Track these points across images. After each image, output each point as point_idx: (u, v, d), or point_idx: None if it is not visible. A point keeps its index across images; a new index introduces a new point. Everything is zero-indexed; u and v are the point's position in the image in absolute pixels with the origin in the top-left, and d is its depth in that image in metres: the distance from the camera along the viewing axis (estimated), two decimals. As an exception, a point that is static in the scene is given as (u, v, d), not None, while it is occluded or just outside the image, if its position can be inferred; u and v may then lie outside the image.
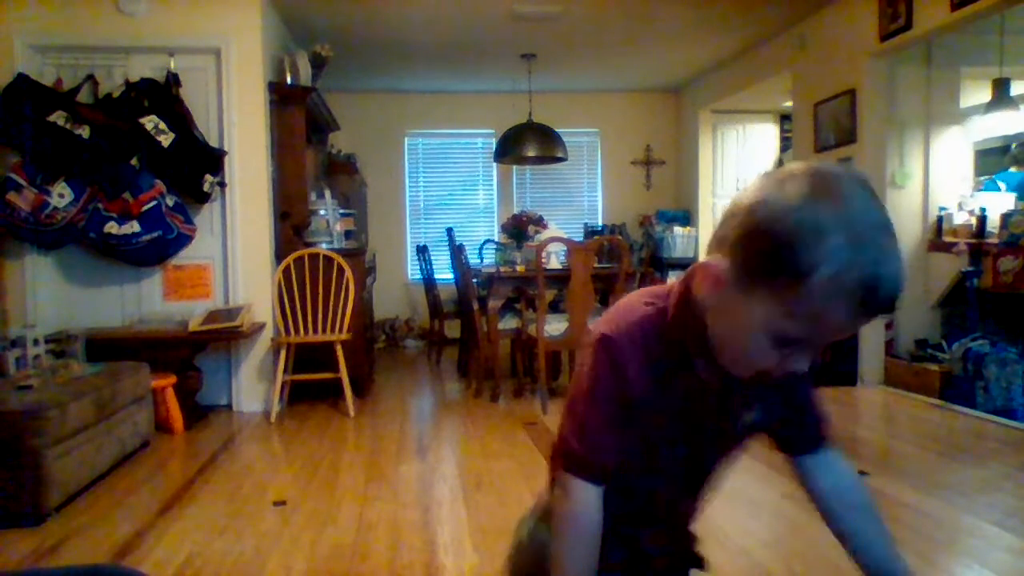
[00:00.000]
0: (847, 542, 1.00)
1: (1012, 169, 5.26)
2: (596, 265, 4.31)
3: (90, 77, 4.04)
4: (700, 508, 1.08)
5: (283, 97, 4.49)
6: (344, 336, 4.15)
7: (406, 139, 7.34)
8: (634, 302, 0.95)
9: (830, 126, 4.94)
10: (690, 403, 0.92)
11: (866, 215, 0.73)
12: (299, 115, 4.54)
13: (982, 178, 5.22)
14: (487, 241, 6.51)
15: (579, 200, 7.64)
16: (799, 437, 0.99)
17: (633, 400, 0.90)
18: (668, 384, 0.90)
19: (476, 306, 4.64)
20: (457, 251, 4.89)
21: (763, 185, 0.77)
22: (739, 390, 0.91)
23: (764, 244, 0.74)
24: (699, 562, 1.12)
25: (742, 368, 0.83)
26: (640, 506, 1.01)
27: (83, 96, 3.99)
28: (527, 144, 6.09)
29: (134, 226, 3.85)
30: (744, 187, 0.79)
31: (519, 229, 5.06)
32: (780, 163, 7.09)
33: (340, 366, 4.10)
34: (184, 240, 4.07)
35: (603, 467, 0.93)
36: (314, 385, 4.34)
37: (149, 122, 3.87)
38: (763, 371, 0.81)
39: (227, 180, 4.23)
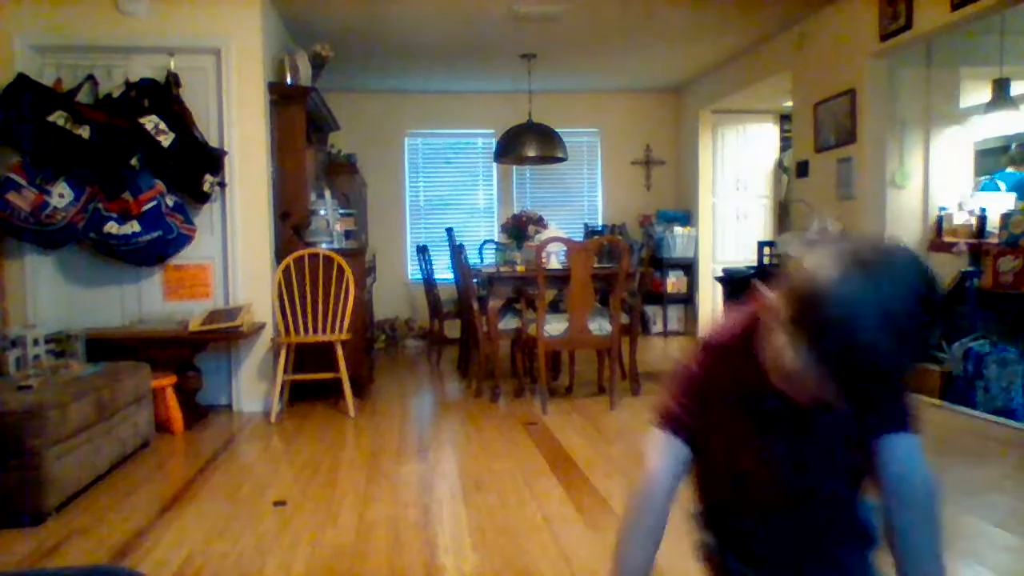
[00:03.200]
0: (891, 538, 1.00)
1: (1010, 169, 5.26)
2: (596, 265, 4.31)
3: (90, 77, 4.04)
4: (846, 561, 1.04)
5: (283, 97, 4.49)
6: (344, 336, 4.15)
7: (406, 139, 7.34)
8: (736, 317, 1.02)
9: (830, 126, 4.93)
10: (784, 422, 0.93)
11: (870, 308, 0.77)
12: (299, 115, 4.54)
13: (981, 178, 5.22)
14: (487, 241, 6.51)
15: (579, 200, 7.64)
16: (877, 418, 0.98)
17: (713, 399, 0.96)
18: (754, 396, 0.93)
19: (476, 306, 4.64)
20: (457, 251, 4.89)
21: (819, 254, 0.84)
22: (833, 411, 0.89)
23: (800, 298, 0.83)
24: None
25: (790, 389, 0.87)
26: (753, 544, 1.00)
27: (83, 96, 3.99)
28: (527, 144, 6.09)
29: (134, 226, 3.85)
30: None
31: (519, 229, 5.06)
32: (780, 163, 7.10)
33: (340, 366, 4.10)
34: (184, 240, 4.07)
35: (682, 421, 0.98)
36: (314, 385, 4.34)
37: (149, 122, 3.87)
38: (811, 399, 0.86)
39: (227, 180, 4.23)
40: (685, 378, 1.01)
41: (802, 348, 0.81)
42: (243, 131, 4.29)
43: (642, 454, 1.00)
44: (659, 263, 6.92)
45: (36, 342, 3.37)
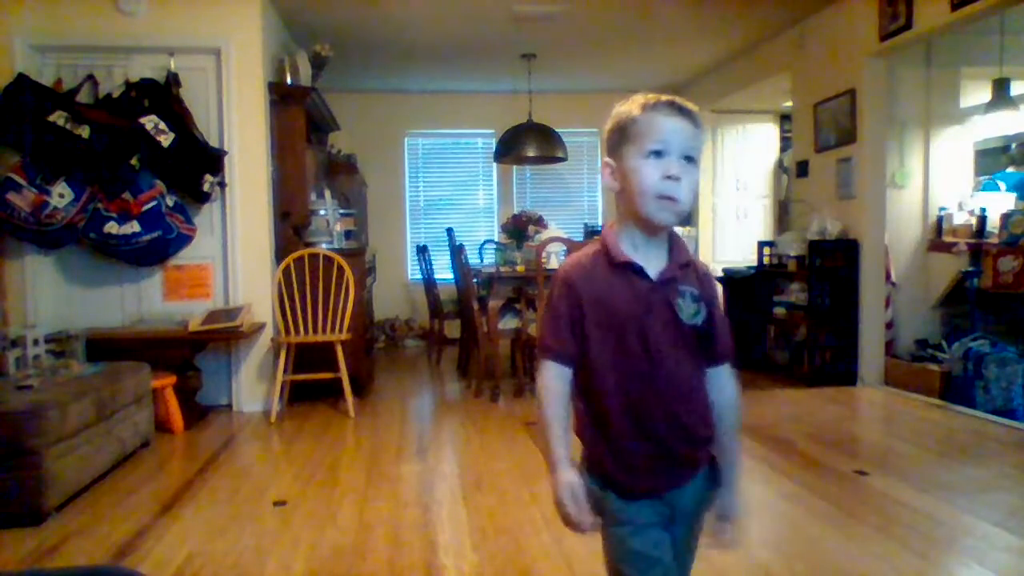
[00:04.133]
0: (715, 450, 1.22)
1: (1010, 169, 5.26)
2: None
3: (90, 77, 4.04)
4: (690, 407, 1.19)
5: (283, 97, 4.49)
6: (344, 336, 4.15)
7: (406, 139, 7.34)
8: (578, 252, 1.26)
9: (830, 126, 4.93)
10: (637, 297, 1.15)
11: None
12: (299, 115, 4.54)
13: (982, 178, 5.22)
14: (487, 241, 6.51)
15: (579, 200, 7.64)
16: (709, 349, 1.20)
17: (584, 303, 1.16)
18: (614, 284, 1.15)
19: (476, 306, 4.64)
20: (457, 251, 4.89)
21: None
22: (670, 284, 1.15)
23: (611, 129, 1.18)
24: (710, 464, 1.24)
25: (650, 201, 1.11)
26: (640, 395, 1.16)
27: (83, 96, 3.99)
28: (527, 144, 6.09)
29: (134, 226, 3.85)
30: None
31: (519, 229, 5.06)
32: (780, 163, 7.10)
33: (340, 366, 4.10)
34: (184, 240, 4.07)
35: (563, 350, 1.18)
36: (314, 385, 4.34)
37: (149, 122, 3.87)
38: (663, 195, 1.11)
39: (227, 180, 4.23)
40: (552, 316, 1.19)
41: (632, 136, 1.13)
42: (243, 131, 4.29)
43: (539, 375, 1.19)
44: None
45: (36, 342, 3.37)
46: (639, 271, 1.15)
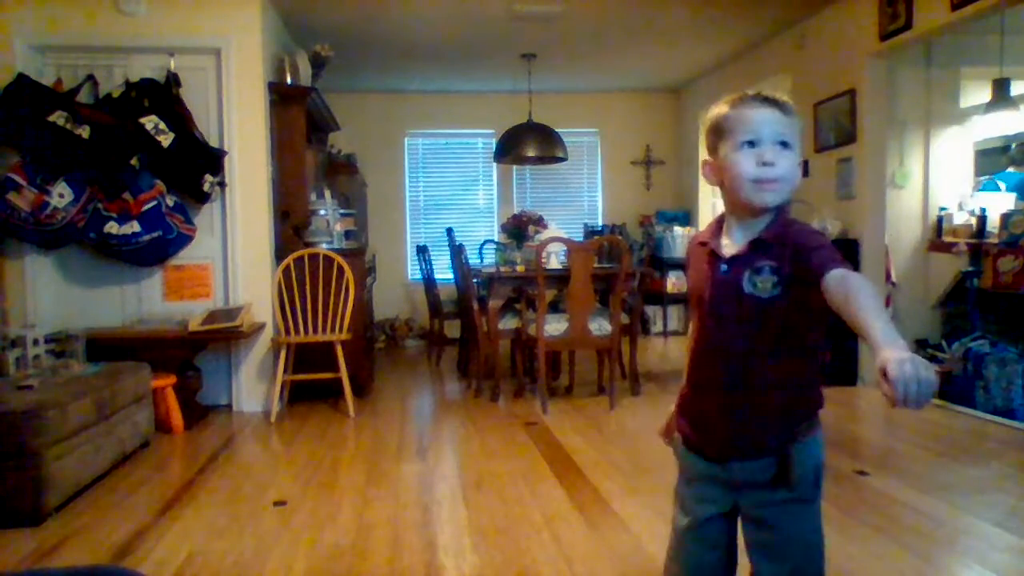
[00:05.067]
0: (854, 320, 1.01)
1: (1010, 169, 5.26)
2: (596, 265, 4.31)
3: (90, 77, 4.04)
4: (748, 397, 1.17)
5: (283, 97, 4.49)
6: (344, 336, 4.15)
7: (406, 139, 7.34)
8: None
9: (830, 126, 4.93)
10: (707, 274, 1.22)
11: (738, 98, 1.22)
12: (299, 115, 4.54)
13: (982, 178, 5.22)
14: (487, 241, 6.51)
15: (579, 200, 7.64)
16: (811, 268, 1.10)
17: (688, 274, 1.35)
18: (697, 261, 1.27)
19: (476, 306, 4.64)
20: (457, 251, 4.89)
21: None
22: (746, 260, 1.17)
23: (708, 131, 1.25)
24: (773, 465, 1.17)
25: (749, 187, 1.16)
26: (702, 364, 1.24)
27: (83, 96, 3.99)
28: (527, 144, 6.09)
29: (134, 226, 3.85)
30: None
31: (519, 229, 5.06)
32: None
33: (340, 366, 4.10)
34: (184, 240, 4.07)
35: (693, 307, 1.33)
36: (314, 385, 4.34)
37: (149, 122, 3.87)
38: (759, 179, 1.16)
39: (227, 180, 4.23)
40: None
41: (727, 131, 1.19)
42: (243, 131, 4.29)
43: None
44: (659, 263, 6.91)
45: (36, 342, 3.37)
46: (704, 244, 1.24)
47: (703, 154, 1.29)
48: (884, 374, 0.89)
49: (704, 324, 1.23)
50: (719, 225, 1.25)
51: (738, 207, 1.20)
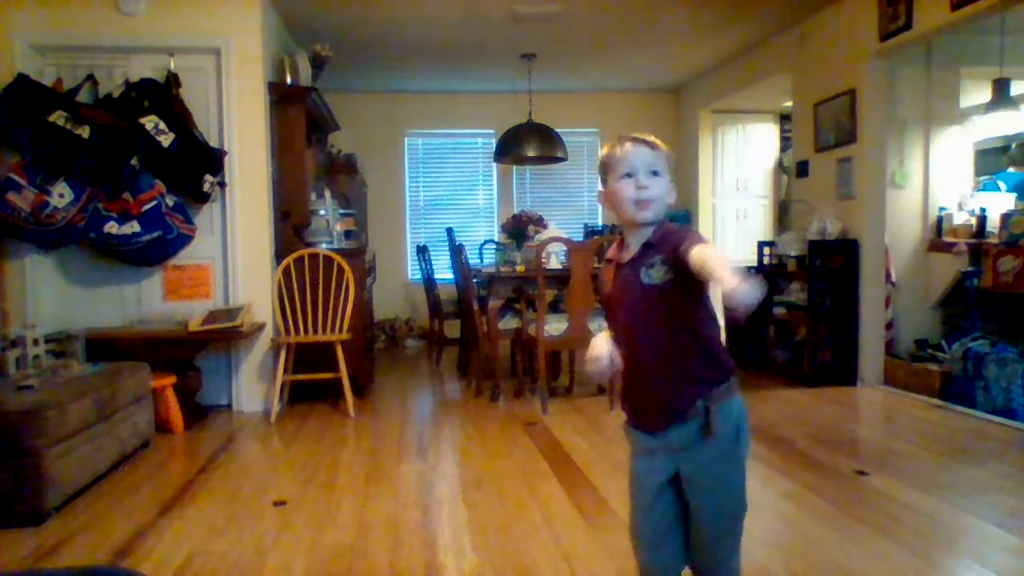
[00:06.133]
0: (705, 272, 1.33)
1: (1010, 169, 5.26)
2: (596, 265, 4.31)
3: (90, 77, 4.04)
4: (666, 371, 1.46)
5: (283, 97, 4.49)
6: (344, 336, 4.15)
7: (406, 139, 7.34)
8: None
9: (830, 126, 4.94)
10: (613, 277, 1.54)
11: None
12: (299, 115, 4.54)
13: (982, 178, 5.22)
14: (487, 241, 6.51)
15: (579, 200, 7.64)
16: (682, 250, 1.37)
17: (599, 285, 1.63)
18: (605, 272, 1.58)
19: (476, 306, 4.64)
20: (457, 251, 4.89)
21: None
22: (641, 260, 1.46)
23: (599, 168, 1.56)
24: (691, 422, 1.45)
25: (631, 207, 1.46)
26: (628, 356, 1.50)
27: (83, 96, 3.99)
28: (527, 144, 6.09)
29: (134, 226, 3.85)
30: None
31: (519, 229, 5.06)
32: (780, 163, 7.10)
33: (340, 366, 4.10)
34: (184, 240, 4.07)
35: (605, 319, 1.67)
36: (314, 385, 4.34)
37: (149, 122, 3.87)
38: (638, 200, 1.45)
39: (227, 180, 4.23)
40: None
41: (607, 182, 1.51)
42: (243, 131, 4.29)
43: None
44: (659, 263, 6.90)
45: (36, 342, 3.37)
46: (610, 260, 1.56)
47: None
48: (731, 296, 1.18)
49: (616, 320, 1.53)
50: (620, 244, 1.55)
51: (628, 223, 1.50)
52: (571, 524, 2.47)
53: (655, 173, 1.48)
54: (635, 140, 1.51)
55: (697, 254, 1.31)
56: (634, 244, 1.49)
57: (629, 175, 1.48)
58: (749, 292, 1.18)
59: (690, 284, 1.38)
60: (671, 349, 1.44)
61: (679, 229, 1.47)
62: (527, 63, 6.08)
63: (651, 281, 1.43)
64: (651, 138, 1.52)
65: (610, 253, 1.59)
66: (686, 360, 1.44)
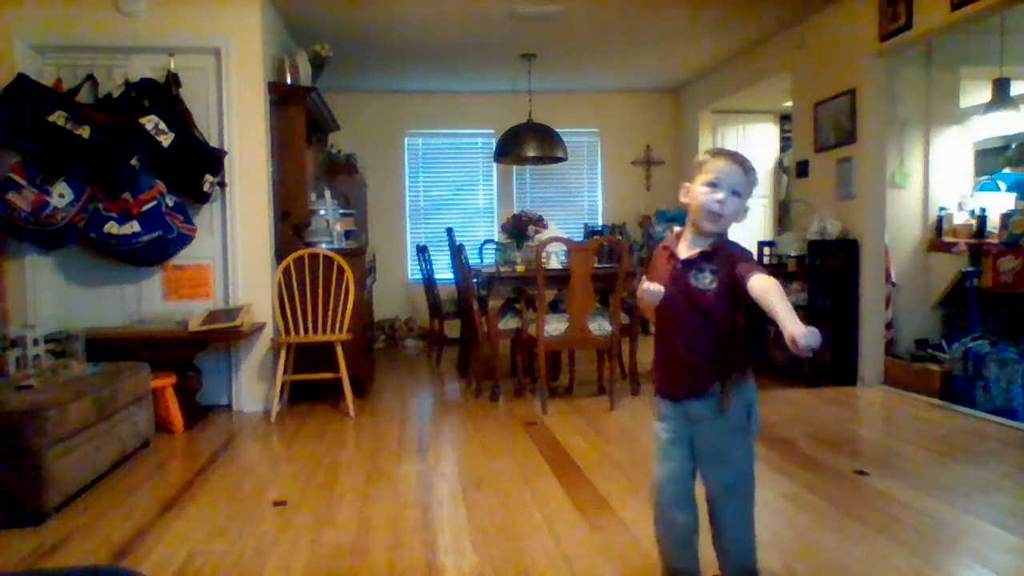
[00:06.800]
0: (768, 307, 1.52)
1: (1007, 170, 5.27)
2: (596, 265, 4.31)
3: (90, 77, 4.04)
4: (695, 349, 1.70)
5: (283, 97, 4.49)
6: (344, 336, 4.15)
7: (406, 139, 7.35)
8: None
9: (830, 126, 4.94)
10: (669, 270, 1.72)
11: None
12: (299, 115, 4.54)
13: (981, 178, 5.22)
14: (487, 241, 6.51)
15: (579, 200, 7.64)
16: (739, 275, 1.61)
17: (652, 268, 1.83)
18: (661, 261, 1.77)
19: (476, 306, 4.64)
20: (457, 251, 4.89)
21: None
22: (696, 263, 1.68)
23: (694, 166, 1.74)
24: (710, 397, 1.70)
25: (703, 214, 1.66)
26: (667, 333, 1.75)
27: (83, 96, 3.99)
28: (527, 144, 6.09)
29: (134, 226, 3.85)
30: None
31: (519, 229, 5.06)
32: (780, 163, 7.10)
33: (340, 366, 4.10)
34: (184, 240, 4.07)
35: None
36: (314, 385, 4.34)
37: (149, 122, 3.87)
38: (711, 212, 1.65)
39: (227, 180, 4.23)
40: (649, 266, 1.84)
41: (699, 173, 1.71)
42: (243, 131, 4.29)
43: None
44: (659, 263, 6.90)
45: (36, 342, 3.37)
46: (667, 248, 1.75)
47: (700, 157, 1.71)
48: (794, 342, 1.39)
49: (663, 307, 1.70)
50: (678, 237, 1.74)
51: (695, 224, 1.69)
52: (571, 524, 2.47)
53: (736, 193, 1.65)
54: (731, 158, 1.67)
55: (761, 289, 1.51)
56: (693, 245, 1.69)
57: (713, 185, 1.64)
58: (810, 339, 1.37)
59: (733, 296, 1.62)
60: (702, 340, 1.67)
61: (735, 247, 1.67)
62: (527, 63, 6.08)
63: (699, 284, 1.65)
64: (748, 162, 1.68)
65: (668, 241, 1.77)
66: (712, 351, 1.67)
